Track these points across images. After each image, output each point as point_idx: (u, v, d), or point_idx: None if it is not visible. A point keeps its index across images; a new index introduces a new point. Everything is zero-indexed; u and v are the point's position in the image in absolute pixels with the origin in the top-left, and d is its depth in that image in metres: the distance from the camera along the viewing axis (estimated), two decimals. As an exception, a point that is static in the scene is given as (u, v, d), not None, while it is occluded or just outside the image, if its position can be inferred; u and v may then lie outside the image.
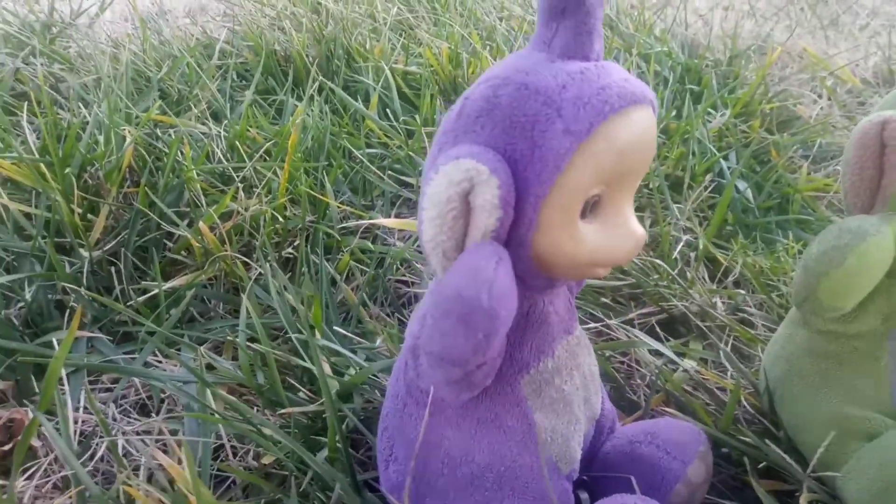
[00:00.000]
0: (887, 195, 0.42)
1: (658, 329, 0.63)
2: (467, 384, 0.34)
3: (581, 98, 0.31)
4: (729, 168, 0.87)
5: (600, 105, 0.31)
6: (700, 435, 0.43)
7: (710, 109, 0.98)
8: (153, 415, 0.54)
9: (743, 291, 0.67)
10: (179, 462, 0.46)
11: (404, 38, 1.13)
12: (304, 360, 0.52)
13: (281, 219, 0.67)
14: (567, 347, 0.39)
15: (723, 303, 0.67)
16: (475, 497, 0.38)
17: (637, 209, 0.80)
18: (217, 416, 0.48)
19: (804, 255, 0.44)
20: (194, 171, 0.70)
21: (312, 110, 0.86)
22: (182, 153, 0.71)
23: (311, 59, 1.06)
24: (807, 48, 1.25)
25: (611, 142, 0.31)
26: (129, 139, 0.72)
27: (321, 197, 0.70)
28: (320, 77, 0.95)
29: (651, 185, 0.82)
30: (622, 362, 0.59)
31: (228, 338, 0.55)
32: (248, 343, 0.54)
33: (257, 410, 0.52)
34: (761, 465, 0.47)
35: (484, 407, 0.37)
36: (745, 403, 0.54)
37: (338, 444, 0.46)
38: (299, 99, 0.96)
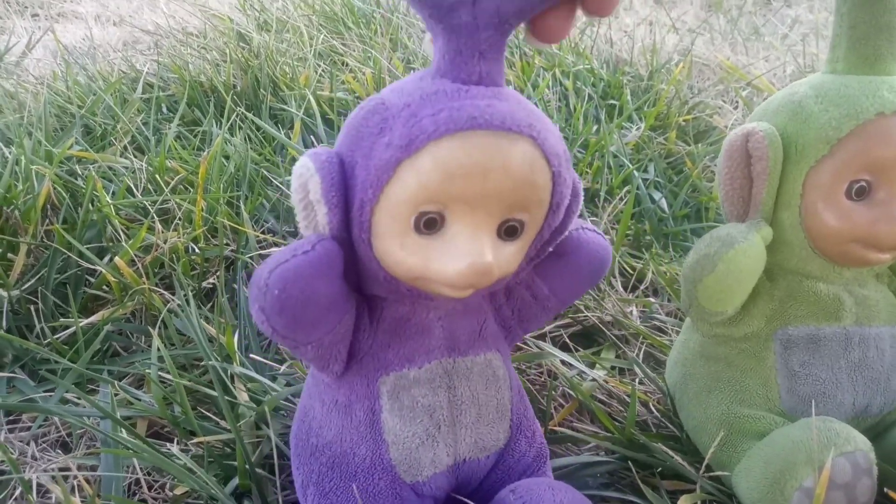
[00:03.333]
0: (758, 203, 0.44)
1: (573, 340, 0.65)
2: (311, 359, 0.38)
3: (414, 116, 0.33)
4: (645, 180, 0.90)
5: (430, 125, 0.33)
6: None
7: (626, 123, 1.02)
8: (74, 451, 0.54)
9: (653, 300, 0.69)
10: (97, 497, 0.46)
11: (332, 66, 1.14)
12: (216, 390, 0.52)
13: (197, 250, 0.67)
14: (446, 366, 0.40)
15: (639, 311, 0.69)
16: (312, 468, 0.41)
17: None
18: (130, 450, 0.48)
19: (683, 264, 0.46)
20: (111, 207, 0.70)
21: (231, 141, 0.87)
22: (98, 189, 0.71)
23: (237, 89, 1.06)
24: (723, 60, 1.30)
25: (437, 163, 0.33)
26: (46, 177, 0.72)
27: (239, 227, 0.70)
28: (239, 107, 0.96)
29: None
30: (539, 374, 0.61)
31: (147, 371, 0.55)
32: (168, 375, 0.54)
33: (176, 442, 0.53)
34: (663, 469, 0.49)
35: (343, 391, 0.40)
36: (653, 409, 0.56)
37: (253, 470, 0.46)
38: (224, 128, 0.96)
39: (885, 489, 0.39)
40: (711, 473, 0.46)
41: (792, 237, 0.44)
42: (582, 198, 0.41)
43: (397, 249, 0.35)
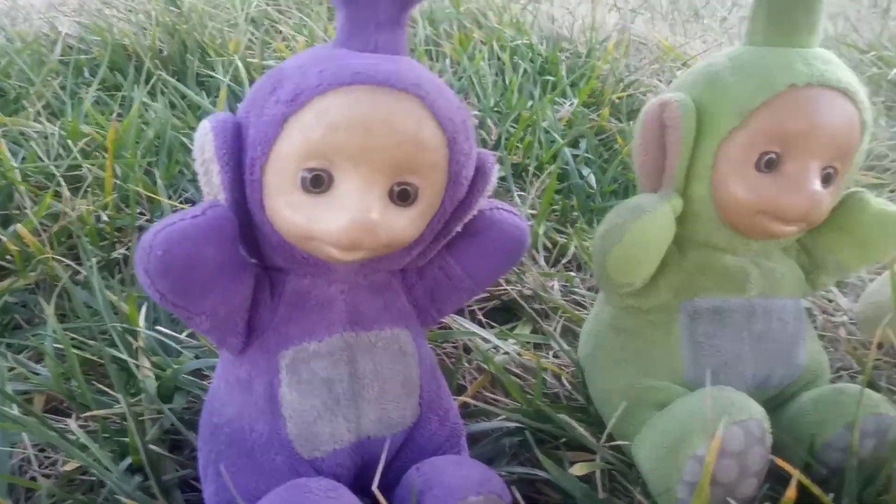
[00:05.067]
0: (671, 174, 0.44)
1: (493, 315, 0.65)
2: (206, 331, 0.37)
3: (304, 75, 0.34)
4: (576, 156, 0.90)
5: (315, 80, 0.33)
6: (486, 484, 0.38)
7: (559, 99, 1.01)
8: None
9: (574, 274, 0.70)
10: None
11: (265, 33, 1.11)
12: (112, 363, 0.50)
13: (106, 218, 0.65)
14: (348, 340, 0.39)
15: (560, 286, 0.69)
16: (213, 447, 0.40)
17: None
18: (18, 424, 0.46)
19: (595, 234, 0.46)
20: (17, 172, 0.67)
21: (153, 106, 0.84)
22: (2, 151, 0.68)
23: (164, 54, 1.03)
24: (661, 39, 1.31)
25: (321, 116, 0.33)
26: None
27: (154, 195, 0.68)
28: (158, 72, 0.92)
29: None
30: (455, 349, 0.61)
31: (41, 343, 0.53)
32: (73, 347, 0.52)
33: (75, 417, 0.50)
34: (568, 440, 0.49)
35: (245, 367, 0.39)
36: (566, 382, 0.56)
37: (146, 446, 0.45)
38: (148, 95, 0.93)
39: (774, 458, 0.39)
40: (613, 443, 0.46)
41: (701, 209, 0.44)
42: (493, 177, 0.40)
43: (284, 207, 0.35)
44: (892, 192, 0.93)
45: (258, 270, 0.39)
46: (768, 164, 0.41)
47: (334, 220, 0.34)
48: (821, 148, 0.41)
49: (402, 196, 0.35)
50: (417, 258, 0.41)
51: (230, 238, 0.35)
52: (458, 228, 0.41)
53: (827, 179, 0.42)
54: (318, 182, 0.34)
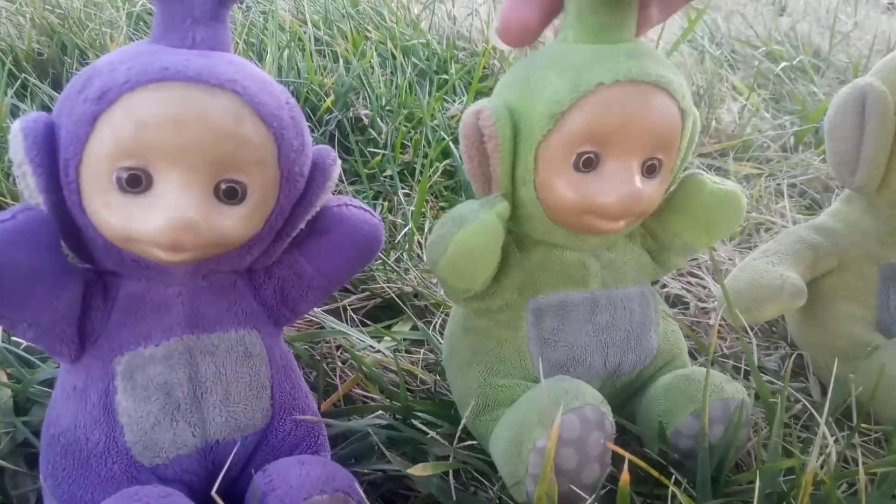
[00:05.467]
0: (496, 180, 0.43)
1: (374, 313, 0.65)
2: (33, 340, 0.36)
3: (113, 72, 0.33)
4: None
5: (122, 77, 0.32)
6: (331, 482, 0.37)
7: (450, 97, 1.02)
8: None
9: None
10: None
11: (148, 34, 1.08)
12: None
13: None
14: (187, 343, 0.39)
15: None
16: (49, 458, 0.38)
17: (374, 197, 0.81)
18: None
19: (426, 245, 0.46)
20: None
21: (24, 110, 0.81)
22: None
23: (43, 56, 0.99)
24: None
25: (130, 113, 0.32)
26: None
27: (9, 202, 0.65)
28: (23, 75, 0.89)
29: (388, 173, 0.84)
30: (330, 349, 0.60)
31: None
32: None
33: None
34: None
35: (80, 376, 0.38)
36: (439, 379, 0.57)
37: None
38: (21, 98, 0.89)
39: (605, 442, 0.40)
40: (466, 443, 0.47)
41: (532, 211, 0.44)
42: (334, 174, 0.40)
43: (101, 208, 0.34)
44: (770, 177, 0.97)
45: (90, 275, 0.38)
46: (587, 164, 0.41)
47: (152, 220, 0.33)
48: (637, 143, 0.41)
49: (230, 194, 0.35)
50: (262, 258, 0.40)
51: (45, 242, 0.34)
52: (303, 226, 0.40)
53: (651, 171, 0.42)
54: (135, 182, 0.33)
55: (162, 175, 0.33)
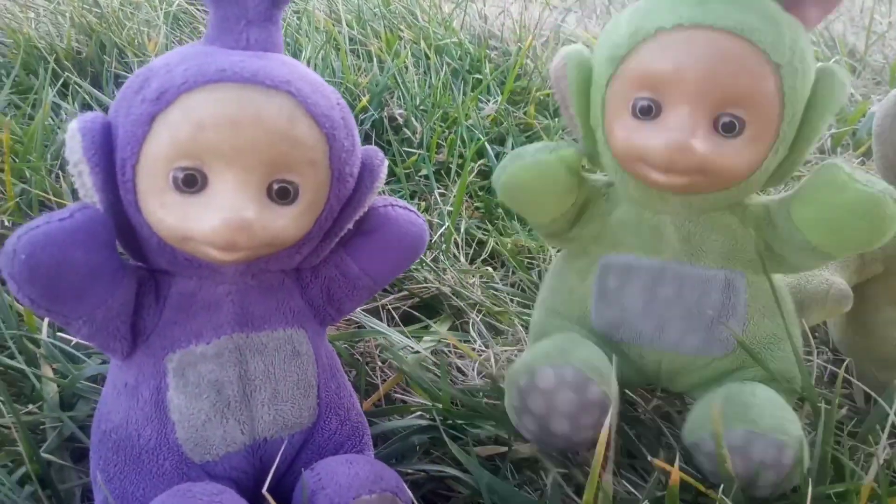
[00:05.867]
0: (573, 124, 0.46)
1: (413, 312, 0.65)
2: (86, 337, 0.36)
3: (170, 73, 0.33)
4: (504, 153, 0.90)
5: (180, 78, 0.33)
6: (379, 482, 0.37)
7: (484, 96, 1.02)
8: None
9: (491, 270, 0.70)
10: None
11: (184, 34, 1.09)
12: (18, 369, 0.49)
13: (7, 223, 0.63)
14: (237, 342, 0.39)
15: (480, 282, 0.69)
16: (101, 454, 0.39)
17: (410, 196, 0.82)
18: None
19: None
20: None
21: (65, 108, 0.82)
22: None
23: (82, 55, 1.00)
24: (589, 36, 1.32)
25: (187, 113, 0.33)
26: None
27: (62, 201, 0.66)
28: (66, 73, 0.90)
29: (423, 172, 0.84)
30: (370, 348, 0.60)
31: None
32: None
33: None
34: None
35: (132, 373, 0.38)
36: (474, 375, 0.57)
37: (38, 456, 0.44)
38: (62, 97, 0.90)
39: (582, 403, 0.41)
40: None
41: (605, 157, 0.44)
42: (381, 174, 0.40)
43: (158, 208, 0.34)
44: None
45: (143, 273, 0.39)
46: (644, 111, 0.40)
47: (208, 220, 0.33)
48: (695, 92, 0.38)
49: (282, 194, 0.35)
50: (310, 257, 0.41)
51: (101, 241, 0.34)
52: (350, 226, 0.41)
53: (729, 129, 0.39)
54: (191, 182, 0.34)
55: (217, 175, 0.34)
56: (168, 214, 0.34)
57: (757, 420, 0.40)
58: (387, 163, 0.41)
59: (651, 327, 0.46)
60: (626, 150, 0.41)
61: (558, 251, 0.64)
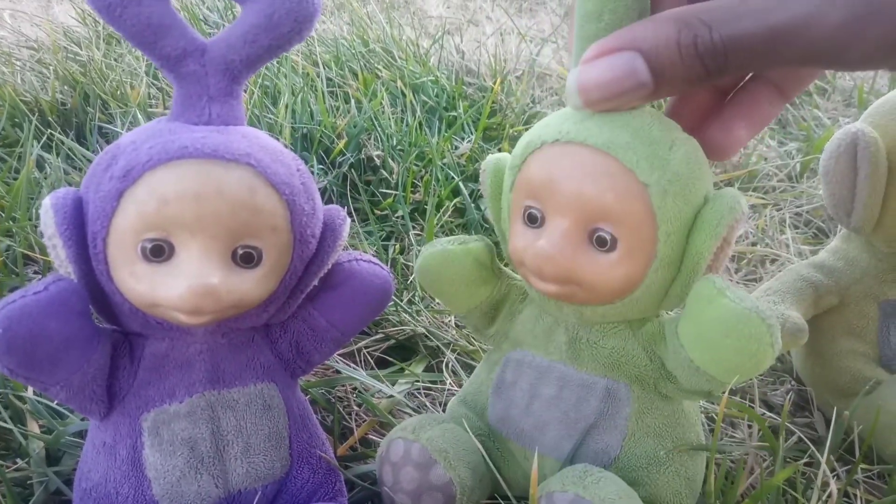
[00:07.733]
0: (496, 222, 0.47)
1: (387, 354, 0.67)
2: (65, 400, 0.38)
3: (136, 150, 0.35)
4: (476, 192, 0.92)
5: (145, 156, 0.35)
6: None
7: (459, 135, 1.04)
8: None
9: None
10: None
11: (166, 83, 1.12)
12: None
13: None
14: (209, 399, 0.41)
15: (455, 322, 0.71)
16: None
17: (385, 238, 0.84)
18: None
19: None
20: None
21: (50, 163, 0.84)
22: None
23: (66, 107, 1.02)
24: (562, 69, 1.35)
25: (152, 189, 0.35)
26: None
27: (47, 259, 0.68)
28: (49, 130, 0.92)
29: (399, 213, 0.86)
30: (345, 393, 0.62)
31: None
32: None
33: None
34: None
35: (109, 432, 0.40)
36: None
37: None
38: (48, 149, 0.93)
39: (424, 482, 0.43)
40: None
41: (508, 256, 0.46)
42: (343, 233, 0.42)
43: (128, 277, 0.36)
44: (777, 208, 0.99)
45: (117, 336, 0.41)
46: (531, 219, 0.41)
47: (175, 287, 0.35)
48: (566, 205, 0.39)
49: (246, 258, 0.37)
50: (278, 314, 0.43)
51: (76, 311, 0.36)
52: (315, 283, 0.43)
53: (601, 243, 0.39)
54: (158, 252, 0.36)
55: (183, 244, 0.36)
56: (138, 283, 0.36)
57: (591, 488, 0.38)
58: (348, 222, 0.43)
59: (530, 426, 0.46)
60: (514, 256, 0.43)
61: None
